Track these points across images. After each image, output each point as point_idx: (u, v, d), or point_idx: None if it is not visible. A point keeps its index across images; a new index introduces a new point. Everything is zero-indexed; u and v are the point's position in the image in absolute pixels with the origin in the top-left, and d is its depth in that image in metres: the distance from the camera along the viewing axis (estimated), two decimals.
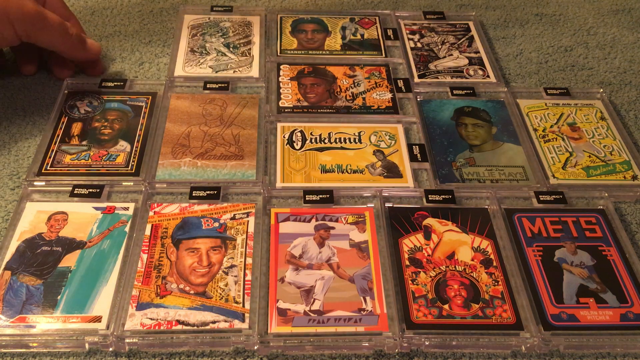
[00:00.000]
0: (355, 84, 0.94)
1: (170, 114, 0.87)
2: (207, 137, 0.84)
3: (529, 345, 0.65)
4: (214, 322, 0.65)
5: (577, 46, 1.05)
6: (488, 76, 0.97)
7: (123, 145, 0.82)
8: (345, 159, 0.83)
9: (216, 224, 0.74)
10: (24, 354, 0.63)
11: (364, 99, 0.92)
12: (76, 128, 0.84)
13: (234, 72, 0.95)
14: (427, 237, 0.74)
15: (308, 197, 0.77)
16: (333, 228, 0.74)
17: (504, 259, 0.72)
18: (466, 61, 1.00)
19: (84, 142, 0.82)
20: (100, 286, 0.67)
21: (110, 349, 0.63)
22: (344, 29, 1.05)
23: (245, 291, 0.67)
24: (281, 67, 0.97)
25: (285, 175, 0.81)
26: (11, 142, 0.84)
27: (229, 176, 0.80)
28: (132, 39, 1.01)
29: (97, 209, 0.75)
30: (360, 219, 0.76)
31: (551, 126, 0.90)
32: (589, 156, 0.85)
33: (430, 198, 0.78)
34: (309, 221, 0.75)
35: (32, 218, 0.73)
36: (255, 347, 0.64)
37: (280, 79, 0.95)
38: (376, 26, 1.06)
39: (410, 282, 0.69)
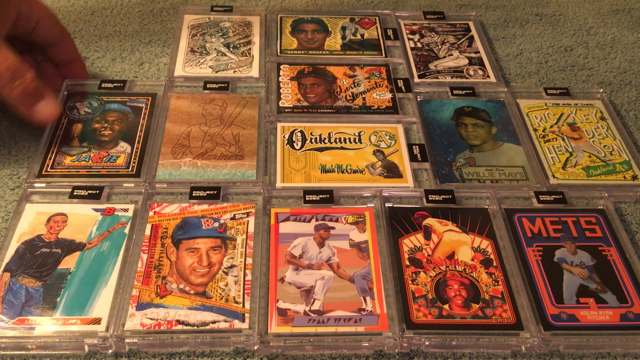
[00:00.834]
0: (355, 84, 0.94)
1: (170, 114, 0.87)
2: (207, 137, 0.84)
3: (529, 345, 0.65)
4: (214, 322, 0.65)
5: (577, 46, 1.05)
6: (488, 76, 0.97)
7: (123, 146, 0.82)
8: (345, 159, 0.83)
9: (216, 224, 0.74)
10: (23, 356, 0.63)
11: (364, 99, 0.92)
12: (76, 129, 0.84)
13: (234, 72, 0.95)
14: (427, 237, 0.74)
15: (308, 197, 0.77)
16: (333, 228, 0.74)
17: (504, 259, 0.72)
18: (466, 61, 1.00)
19: (84, 144, 0.82)
20: (100, 288, 0.67)
21: (110, 351, 0.63)
22: (344, 29, 1.05)
23: (245, 291, 0.67)
24: (281, 67, 0.97)
25: (285, 175, 0.81)
26: (11, 142, 0.84)
27: (229, 176, 0.80)
28: (132, 39, 1.01)
29: (96, 210, 0.75)
30: (360, 219, 0.76)
31: (551, 126, 0.90)
32: (589, 156, 0.85)
33: (430, 198, 0.78)
34: (309, 221, 0.75)
35: (32, 220, 0.73)
36: (255, 347, 0.64)
37: (280, 79, 0.95)
38: (376, 26, 1.06)
39: (410, 282, 0.69)
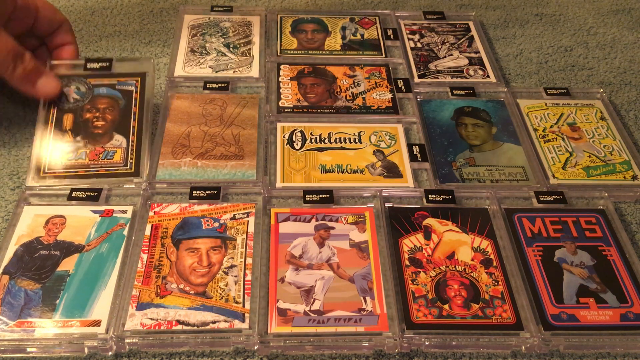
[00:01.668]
0: (355, 84, 0.94)
1: (171, 114, 0.87)
2: (207, 137, 0.84)
3: (529, 345, 0.65)
4: (214, 322, 0.65)
5: (577, 46, 1.05)
6: (488, 76, 0.97)
7: (118, 139, 0.80)
8: (345, 159, 0.83)
9: (216, 224, 0.74)
10: (22, 358, 0.63)
11: (364, 99, 0.92)
12: (67, 121, 0.81)
13: (234, 72, 0.95)
14: (427, 237, 0.74)
15: (308, 197, 0.77)
16: (333, 228, 0.74)
17: (504, 259, 0.72)
18: (466, 61, 1.00)
19: (78, 138, 0.80)
20: (99, 290, 0.67)
21: (110, 353, 0.63)
22: (344, 29, 1.05)
23: (245, 291, 0.67)
24: (281, 67, 0.97)
25: (285, 175, 0.81)
26: (11, 142, 0.84)
27: (229, 176, 0.80)
28: (132, 39, 1.01)
29: (95, 212, 0.75)
30: (360, 219, 0.76)
31: (551, 126, 0.90)
32: (589, 156, 0.85)
33: (430, 198, 0.78)
34: (309, 221, 0.75)
35: (30, 222, 0.73)
36: (255, 347, 0.64)
37: (280, 79, 0.95)
38: (376, 26, 1.06)
39: (410, 282, 0.69)
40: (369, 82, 0.95)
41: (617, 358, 0.65)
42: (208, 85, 0.92)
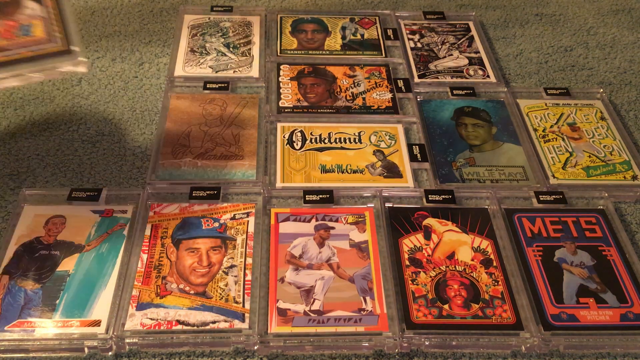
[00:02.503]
0: (355, 84, 0.94)
1: (170, 114, 0.87)
2: (207, 137, 0.84)
3: (529, 345, 0.65)
4: (214, 322, 0.65)
5: (577, 46, 1.05)
6: (488, 76, 0.97)
7: (30, 6, 0.64)
8: (345, 159, 0.83)
9: (216, 224, 0.74)
10: (23, 359, 0.63)
11: (364, 99, 0.92)
12: None
13: (234, 72, 0.95)
14: (427, 237, 0.74)
15: (308, 197, 0.77)
16: (333, 228, 0.74)
17: (504, 259, 0.72)
18: (466, 61, 1.00)
19: None
20: (99, 290, 0.67)
21: (110, 353, 0.63)
22: (344, 29, 1.05)
23: (245, 291, 0.67)
24: (281, 67, 0.97)
25: (285, 175, 0.81)
26: (11, 142, 0.84)
27: (229, 176, 0.80)
28: (132, 39, 1.01)
29: (95, 212, 0.75)
30: (360, 219, 0.76)
31: (551, 126, 0.90)
32: (589, 156, 0.85)
33: (430, 198, 0.78)
34: (309, 221, 0.75)
35: (30, 222, 0.73)
36: (255, 347, 0.64)
37: (280, 79, 0.95)
38: (376, 26, 1.06)
39: (410, 282, 0.69)
40: (369, 82, 0.95)
41: (617, 358, 0.65)
42: (208, 85, 0.92)
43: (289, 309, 0.66)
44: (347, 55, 1.00)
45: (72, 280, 0.67)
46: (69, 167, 0.81)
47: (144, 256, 0.70)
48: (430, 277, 0.70)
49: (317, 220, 0.75)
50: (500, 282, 0.69)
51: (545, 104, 0.93)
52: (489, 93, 0.95)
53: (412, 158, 0.83)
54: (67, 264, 0.69)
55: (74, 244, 0.71)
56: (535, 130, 0.89)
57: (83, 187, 0.77)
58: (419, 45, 1.02)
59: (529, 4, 1.14)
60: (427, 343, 0.64)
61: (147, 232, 0.73)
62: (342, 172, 0.81)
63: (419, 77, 0.96)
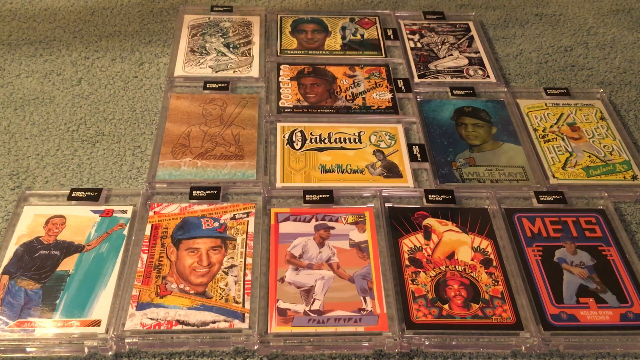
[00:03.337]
0: (355, 84, 0.94)
1: (170, 114, 0.87)
2: (207, 137, 0.84)
3: (529, 345, 0.65)
4: (214, 322, 0.65)
5: (577, 46, 1.05)
6: (488, 76, 0.97)
7: None
8: (345, 159, 0.83)
9: (216, 224, 0.74)
10: (22, 358, 0.63)
11: (364, 99, 0.92)
12: None
13: (234, 72, 0.95)
14: (427, 237, 0.74)
15: (308, 197, 0.77)
16: (333, 228, 0.74)
17: (504, 259, 0.72)
18: (466, 61, 1.00)
19: None
20: (99, 290, 0.67)
21: (110, 353, 0.63)
22: (344, 29, 1.05)
23: (245, 291, 0.67)
24: (281, 67, 0.97)
25: (285, 175, 0.81)
26: (11, 142, 0.84)
27: (229, 176, 0.80)
28: (132, 39, 1.01)
29: (95, 212, 0.75)
30: (360, 219, 0.76)
31: (551, 126, 0.90)
32: (589, 156, 0.85)
33: (430, 198, 0.78)
34: (309, 221, 0.75)
35: (30, 222, 0.73)
36: (255, 347, 0.64)
37: (280, 79, 0.95)
38: (376, 26, 1.06)
39: (410, 282, 0.69)
40: (369, 82, 0.95)
41: (617, 358, 0.65)
42: (208, 85, 0.92)
43: (289, 309, 0.66)
44: (347, 55, 1.00)
45: (72, 280, 0.67)
46: (69, 167, 0.81)
47: (144, 256, 0.70)
48: (430, 277, 0.70)
49: (317, 220, 0.75)
50: (500, 282, 0.69)
51: (545, 104, 0.93)
52: (488, 93, 0.95)
53: (412, 158, 0.83)
54: (67, 264, 0.69)
55: (74, 244, 0.71)
56: (535, 130, 0.89)
57: (83, 187, 0.77)
58: (418, 45, 1.02)
59: (529, 4, 1.14)
60: (427, 343, 0.64)
61: (147, 232, 0.73)
62: (342, 172, 0.81)
63: (419, 77, 0.96)
